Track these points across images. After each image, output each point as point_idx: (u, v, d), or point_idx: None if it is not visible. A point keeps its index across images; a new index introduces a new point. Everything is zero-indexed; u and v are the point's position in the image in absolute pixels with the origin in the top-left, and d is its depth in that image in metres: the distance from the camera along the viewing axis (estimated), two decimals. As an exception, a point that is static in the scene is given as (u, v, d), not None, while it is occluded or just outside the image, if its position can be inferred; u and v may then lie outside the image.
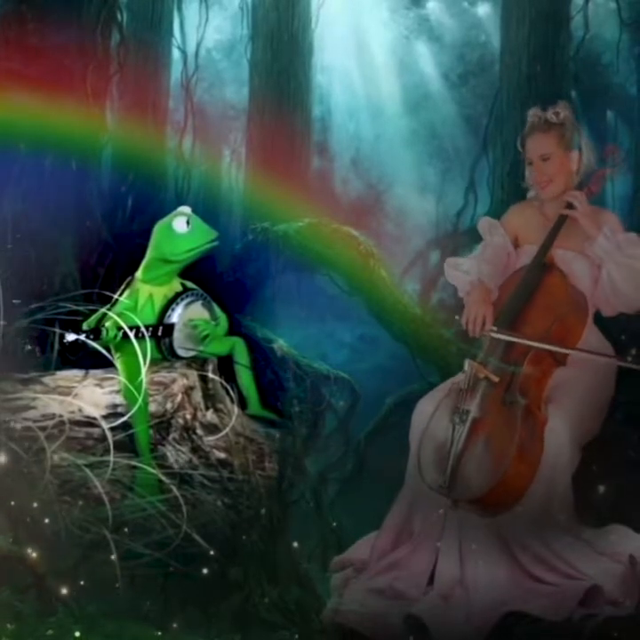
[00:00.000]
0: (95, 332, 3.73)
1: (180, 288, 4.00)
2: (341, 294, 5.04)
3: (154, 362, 3.84)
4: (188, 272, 4.04)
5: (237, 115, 6.54)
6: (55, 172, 5.02)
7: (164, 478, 3.59)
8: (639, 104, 6.38)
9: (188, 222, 3.92)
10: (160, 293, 3.95)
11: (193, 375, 3.92)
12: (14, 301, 3.78)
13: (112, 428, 3.64)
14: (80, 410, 3.73)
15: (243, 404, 4.03)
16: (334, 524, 3.95)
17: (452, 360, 4.52)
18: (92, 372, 3.93)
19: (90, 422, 3.71)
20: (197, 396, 3.91)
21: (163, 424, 3.79)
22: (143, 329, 3.78)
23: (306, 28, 6.36)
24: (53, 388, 3.85)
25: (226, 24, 6.56)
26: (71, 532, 3.33)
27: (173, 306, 3.92)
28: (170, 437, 3.78)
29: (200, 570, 3.35)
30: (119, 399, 3.78)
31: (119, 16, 5.49)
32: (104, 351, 3.76)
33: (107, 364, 3.85)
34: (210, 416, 3.90)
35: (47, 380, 3.90)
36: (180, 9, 6.32)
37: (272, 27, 6.32)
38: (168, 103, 6.27)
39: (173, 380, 3.86)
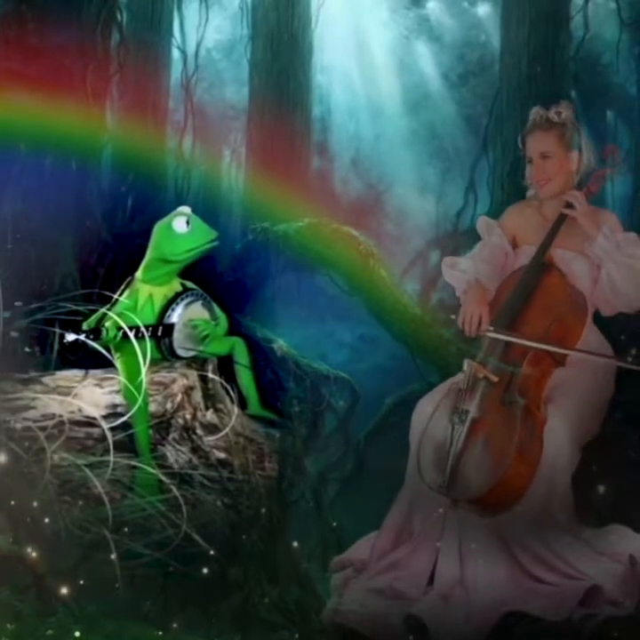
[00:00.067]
0: (95, 332, 3.73)
1: (179, 288, 4.00)
2: (341, 294, 5.04)
3: (154, 362, 3.85)
4: (187, 272, 4.04)
5: (237, 115, 6.54)
6: (55, 172, 5.02)
7: (163, 478, 3.59)
8: (639, 104, 6.38)
9: (187, 222, 3.93)
10: (160, 293, 3.95)
11: (193, 375, 3.92)
12: (16, 303, 3.78)
13: (112, 428, 3.64)
14: (80, 410, 3.73)
15: (243, 404, 4.03)
16: (334, 523, 3.95)
17: (451, 360, 4.52)
18: (92, 372, 3.93)
19: (90, 422, 3.71)
20: (197, 395, 3.91)
21: (163, 424, 3.79)
22: (143, 329, 3.78)
23: (306, 28, 6.36)
24: (53, 388, 3.85)
25: (226, 24, 6.56)
26: (71, 532, 3.33)
27: (173, 306, 3.92)
28: (170, 437, 3.78)
29: (200, 570, 3.35)
30: (119, 399, 3.78)
31: (119, 16, 5.49)
32: (104, 351, 3.76)
33: (107, 363, 3.85)
34: (210, 416, 3.90)
35: (47, 380, 3.90)
36: (179, 9, 6.32)
37: (272, 27, 6.32)
38: (168, 103, 6.27)
39: (173, 380, 3.86)
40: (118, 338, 3.76)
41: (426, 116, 6.62)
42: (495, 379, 3.32)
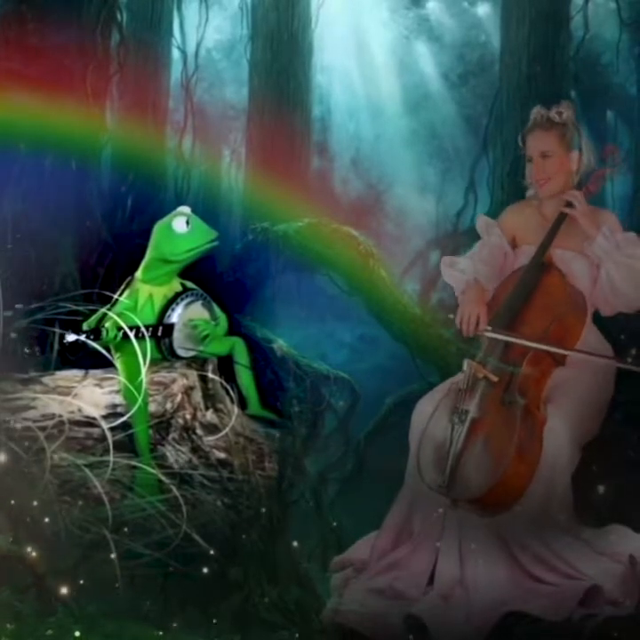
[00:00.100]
0: (95, 333, 3.73)
1: (179, 288, 4.00)
2: (341, 294, 5.04)
3: (154, 362, 3.84)
4: (187, 272, 4.04)
5: (237, 115, 6.54)
6: (55, 171, 5.02)
7: (163, 478, 3.59)
8: (639, 104, 6.38)
9: (187, 222, 3.92)
10: (160, 293, 3.95)
11: (193, 375, 3.92)
12: (17, 306, 3.78)
13: (112, 428, 3.64)
14: (80, 410, 3.73)
15: (242, 404, 4.03)
16: (334, 523, 3.95)
17: (451, 360, 4.52)
18: (92, 372, 3.93)
19: (89, 422, 3.71)
20: (197, 396, 3.91)
21: (162, 424, 3.79)
22: (143, 329, 3.78)
23: (306, 28, 6.36)
24: (53, 388, 3.85)
25: (226, 24, 6.56)
26: (71, 532, 3.33)
27: (173, 306, 3.92)
28: (169, 437, 3.78)
29: (200, 570, 3.35)
30: (119, 399, 3.78)
31: (119, 16, 5.49)
32: (104, 351, 3.76)
33: (106, 363, 3.85)
34: (210, 416, 3.90)
35: (47, 380, 3.90)
36: (179, 9, 6.32)
37: (272, 27, 6.32)
38: (168, 103, 6.27)
39: (173, 380, 3.86)
40: (118, 338, 3.75)
41: (426, 116, 6.63)
42: (495, 379, 3.32)
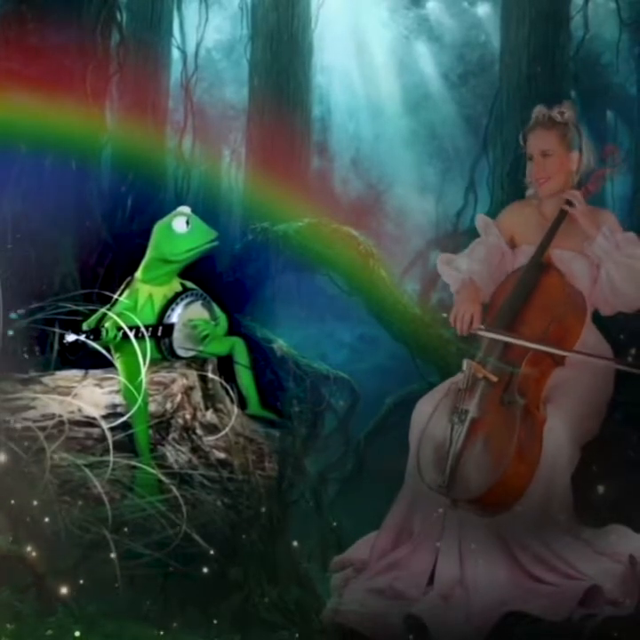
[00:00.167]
0: (95, 333, 3.73)
1: (179, 288, 3.99)
2: (341, 294, 5.04)
3: (153, 362, 3.84)
4: (187, 272, 4.04)
5: (237, 115, 6.54)
6: (55, 171, 5.02)
7: (163, 478, 3.59)
8: (639, 104, 6.38)
9: (187, 222, 3.92)
10: (160, 293, 3.95)
11: (193, 375, 3.92)
12: (19, 311, 3.78)
13: (112, 428, 3.64)
14: (80, 410, 3.73)
15: (242, 404, 4.03)
16: (334, 523, 3.95)
17: (451, 360, 4.52)
18: (92, 372, 3.93)
19: (89, 422, 3.71)
20: (197, 396, 3.91)
21: (162, 424, 3.79)
22: (143, 329, 3.78)
23: (305, 28, 6.36)
24: (53, 388, 3.84)
25: (225, 24, 6.56)
26: (71, 532, 3.33)
27: (173, 306, 3.92)
28: (169, 437, 3.78)
29: (200, 570, 3.35)
30: (119, 399, 3.78)
31: (119, 16, 5.48)
32: (104, 351, 3.76)
33: (106, 364, 3.85)
34: (209, 416, 3.90)
35: (47, 380, 3.90)
36: (179, 9, 6.32)
37: (272, 27, 6.32)
38: (168, 103, 6.27)
39: (173, 380, 3.86)
40: (118, 338, 3.75)
41: (426, 116, 6.62)
42: (494, 378, 3.32)
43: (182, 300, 3.95)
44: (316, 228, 5.07)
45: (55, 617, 3.13)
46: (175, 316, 3.91)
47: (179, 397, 3.83)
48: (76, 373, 3.94)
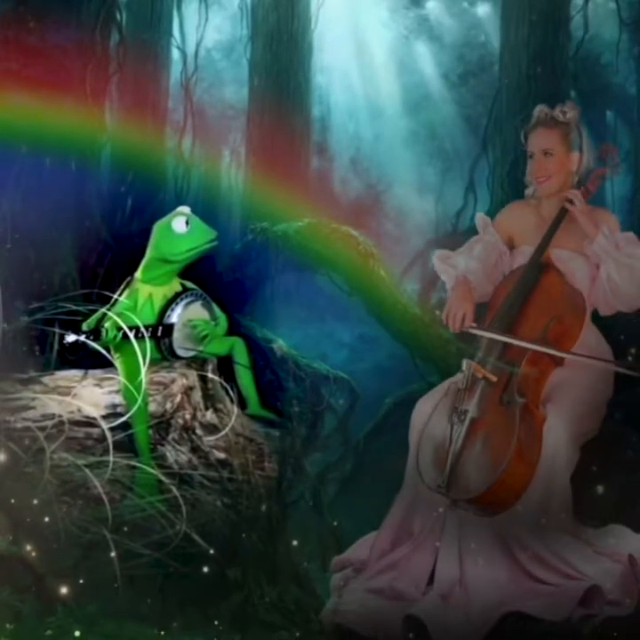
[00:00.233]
0: (95, 333, 3.73)
1: (179, 288, 3.99)
2: (341, 294, 5.04)
3: (153, 362, 3.84)
4: (187, 272, 4.03)
5: (237, 115, 6.54)
6: (54, 172, 5.02)
7: (163, 478, 3.59)
8: (639, 104, 6.38)
9: (187, 222, 3.92)
10: (159, 293, 3.95)
11: (192, 375, 3.92)
12: (22, 318, 3.78)
13: (111, 428, 3.64)
14: (79, 410, 3.73)
15: (242, 404, 4.03)
16: (334, 523, 3.95)
17: (451, 360, 4.52)
18: (92, 372, 3.93)
19: (89, 422, 3.71)
20: (197, 396, 3.90)
21: (162, 424, 3.79)
22: (143, 329, 3.78)
23: (305, 29, 6.36)
24: (53, 388, 3.84)
25: (225, 24, 6.56)
26: (71, 532, 3.33)
27: (173, 306, 3.92)
28: (169, 437, 3.78)
29: (199, 570, 3.35)
30: (118, 399, 3.78)
31: (118, 16, 5.48)
32: (104, 351, 3.76)
33: (106, 364, 3.84)
34: (209, 416, 3.90)
35: (47, 380, 3.90)
36: (179, 9, 6.32)
37: (271, 27, 6.32)
38: (167, 103, 6.27)
39: (173, 380, 3.85)
40: (118, 338, 3.75)
41: (425, 117, 6.62)
42: (494, 378, 3.32)
43: (182, 300, 3.94)
44: (315, 228, 5.08)
45: (55, 617, 3.13)
46: (175, 316, 3.91)
47: (178, 397, 3.83)
48: (75, 373, 3.94)
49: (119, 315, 3.80)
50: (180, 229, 3.92)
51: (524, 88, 5.96)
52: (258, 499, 3.70)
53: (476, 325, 3.43)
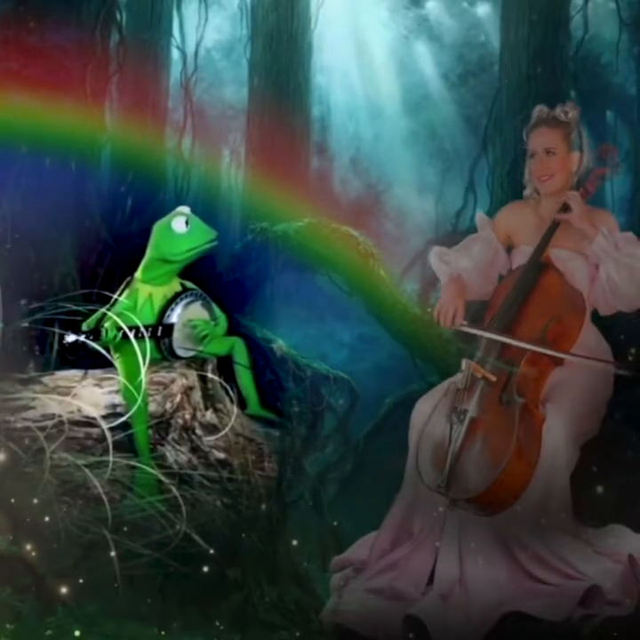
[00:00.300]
0: (95, 333, 3.73)
1: (179, 288, 3.99)
2: (341, 294, 5.04)
3: (153, 362, 3.84)
4: (187, 272, 4.03)
5: (237, 115, 6.54)
6: (54, 172, 5.02)
7: (163, 478, 3.59)
8: (639, 104, 6.38)
9: (187, 222, 3.92)
10: (159, 293, 3.95)
11: (192, 375, 3.92)
12: (23, 303, 3.78)
13: (111, 428, 3.64)
14: (79, 410, 3.72)
15: (242, 404, 4.03)
16: (334, 523, 3.95)
17: (451, 360, 4.52)
18: (92, 372, 3.93)
19: (89, 422, 3.71)
20: (197, 396, 3.90)
21: (162, 424, 3.79)
22: (142, 329, 3.78)
23: (305, 29, 6.36)
24: (53, 388, 3.84)
25: (225, 24, 6.56)
26: (71, 532, 3.33)
27: (173, 306, 3.92)
28: (169, 437, 3.78)
29: (199, 570, 3.35)
30: (118, 399, 3.78)
31: (118, 16, 5.48)
32: (103, 351, 3.76)
33: (106, 364, 3.84)
34: (209, 416, 3.90)
35: (46, 380, 3.90)
36: (179, 9, 6.33)
37: (271, 27, 6.33)
38: (167, 103, 6.28)
39: (173, 380, 3.85)
40: (118, 338, 3.75)
41: (425, 117, 6.63)
42: (493, 378, 3.32)
43: (182, 300, 3.94)
44: (315, 228, 5.08)
45: (55, 617, 3.13)
46: (175, 316, 3.91)
47: (178, 397, 3.83)
48: (75, 373, 3.94)
49: (119, 315, 3.80)
50: (179, 229, 3.92)
51: (524, 88, 5.96)
52: (258, 499, 3.70)
53: (466, 323, 3.44)
